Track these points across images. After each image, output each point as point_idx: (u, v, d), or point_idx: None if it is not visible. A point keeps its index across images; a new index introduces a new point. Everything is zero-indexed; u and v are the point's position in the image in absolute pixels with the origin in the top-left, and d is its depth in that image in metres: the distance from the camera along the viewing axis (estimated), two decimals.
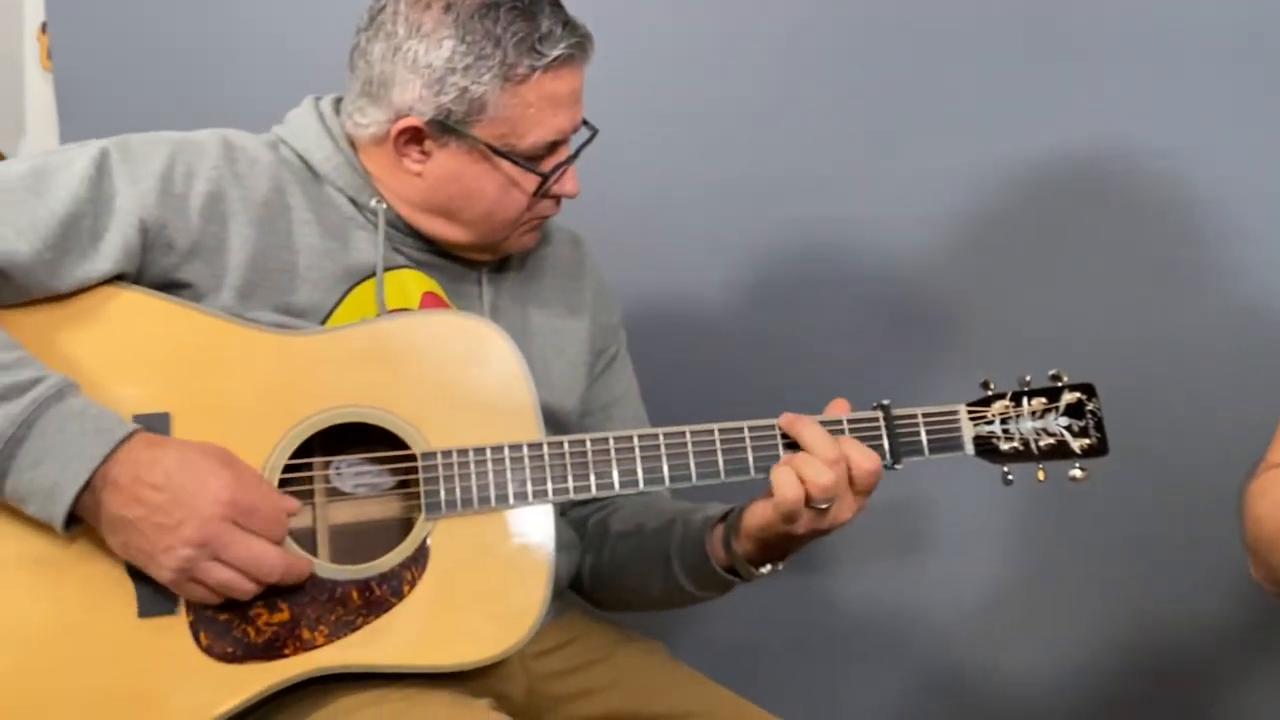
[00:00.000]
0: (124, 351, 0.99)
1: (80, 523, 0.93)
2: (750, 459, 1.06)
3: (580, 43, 1.08)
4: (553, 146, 1.11)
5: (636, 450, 1.06)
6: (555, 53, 1.06)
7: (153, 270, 1.03)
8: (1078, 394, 1.11)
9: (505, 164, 1.09)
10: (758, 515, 1.06)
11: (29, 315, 0.98)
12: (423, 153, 1.11)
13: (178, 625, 0.96)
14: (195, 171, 1.05)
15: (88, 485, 0.90)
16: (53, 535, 0.93)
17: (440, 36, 1.05)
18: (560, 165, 1.12)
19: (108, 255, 1.00)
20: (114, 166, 1.02)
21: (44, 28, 1.90)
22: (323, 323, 1.08)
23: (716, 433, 1.06)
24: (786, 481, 1.02)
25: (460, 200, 1.11)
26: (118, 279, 1.01)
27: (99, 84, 1.75)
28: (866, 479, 1.04)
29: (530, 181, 1.11)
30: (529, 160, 1.10)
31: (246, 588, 0.94)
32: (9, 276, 0.96)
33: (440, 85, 1.06)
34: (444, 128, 1.08)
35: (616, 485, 1.05)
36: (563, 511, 1.19)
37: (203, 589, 0.94)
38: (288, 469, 1.00)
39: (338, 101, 1.16)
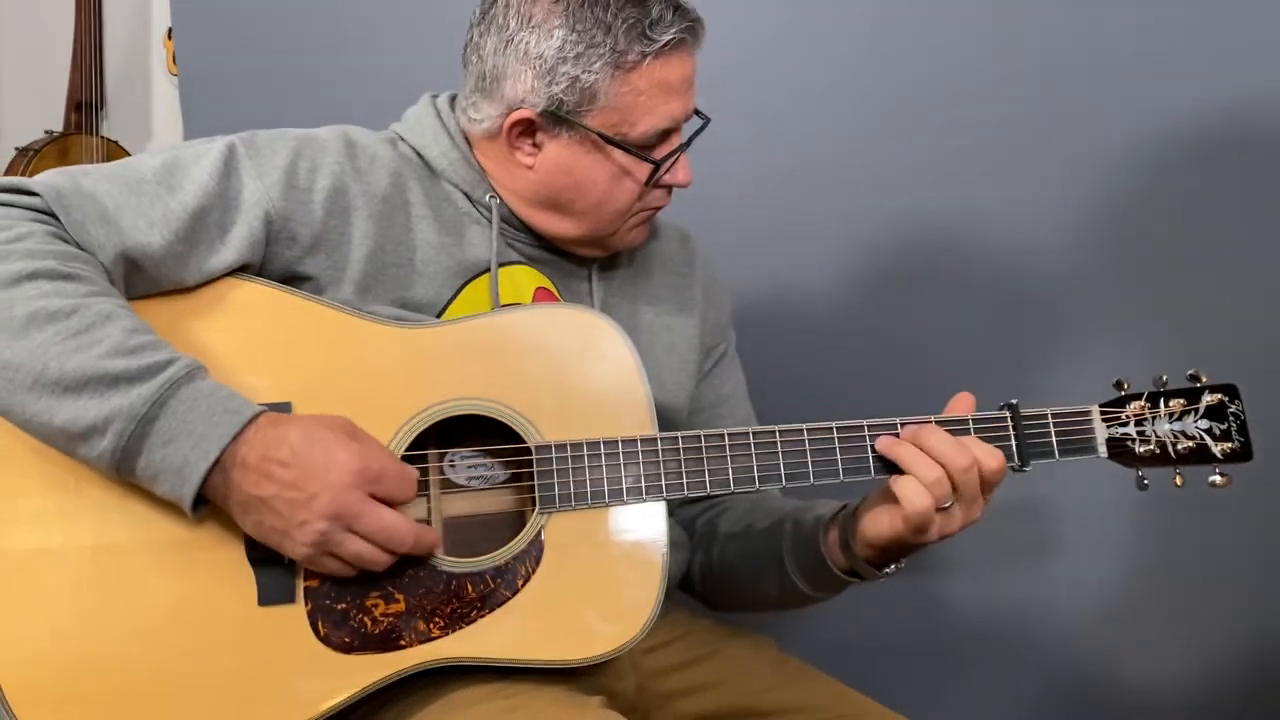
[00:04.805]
0: (247, 342, 1.01)
1: (207, 504, 0.94)
2: (870, 459, 1.04)
3: (691, 27, 1.07)
4: (665, 135, 1.10)
5: (752, 447, 1.04)
6: (666, 38, 1.05)
7: (276, 263, 1.05)
8: (1219, 395, 1.06)
9: (617, 153, 1.09)
10: (883, 528, 1.03)
11: (156, 306, 1.01)
12: (534, 145, 1.11)
13: (296, 615, 0.97)
14: (318, 166, 1.07)
15: (217, 463, 0.91)
16: (177, 523, 0.95)
17: (551, 26, 1.05)
18: (673, 153, 1.11)
19: (234, 247, 1.02)
20: (241, 161, 1.04)
21: (169, 33, 1.97)
22: (438, 317, 1.09)
23: (835, 431, 1.04)
24: (914, 491, 0.99)
25: (572, 192, 1.11)
26: (242, 270, 1.04)
27: (222, 87, 1.80)
28: (991, 478, 1.01)
29: (642, 170, 1.10)
30: (641, 149, 1.09)
31: (380, 559, 0.94)
32: (141, 267, 0.99)
33: (551, 75, 1.06)
34: (556, 118, 1.08)
35: (731, 483, 1.03)
36: (671, 510, 1.18)
37: (337, 563, 0.94)
38: (404, 460, 1.01)
39: (453, 98, 1.17)
